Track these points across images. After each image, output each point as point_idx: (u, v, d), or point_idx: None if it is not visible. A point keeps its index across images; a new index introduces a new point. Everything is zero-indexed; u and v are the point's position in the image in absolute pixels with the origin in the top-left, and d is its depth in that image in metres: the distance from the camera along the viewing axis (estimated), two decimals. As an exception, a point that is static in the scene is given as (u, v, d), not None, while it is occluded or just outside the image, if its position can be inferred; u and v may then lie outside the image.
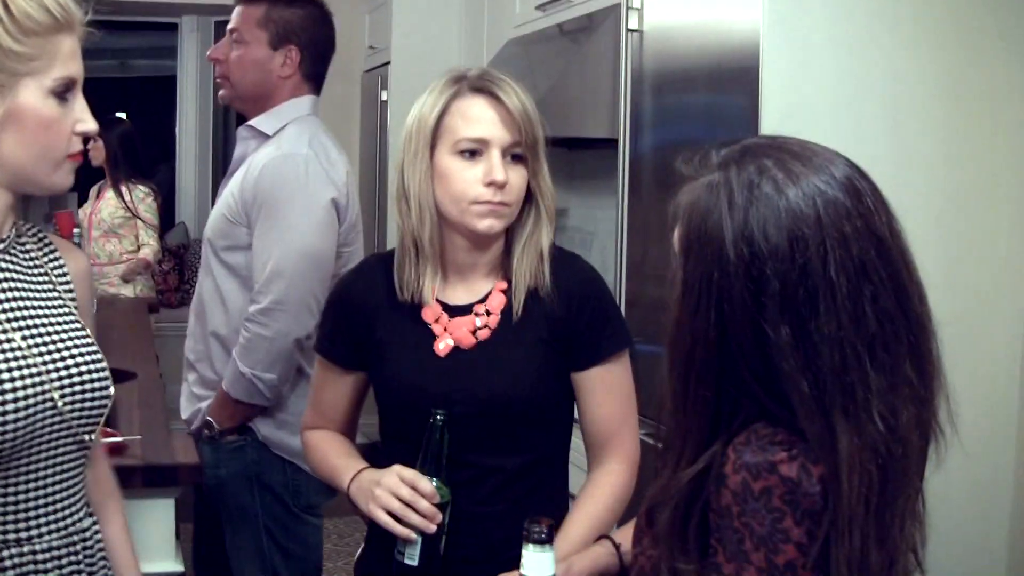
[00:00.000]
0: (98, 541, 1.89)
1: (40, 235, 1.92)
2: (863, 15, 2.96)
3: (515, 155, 2.05)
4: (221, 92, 3.22)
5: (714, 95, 3.16)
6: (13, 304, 1.78)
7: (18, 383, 1.71)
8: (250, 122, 3.12)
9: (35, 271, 1.85)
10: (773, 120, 2.83)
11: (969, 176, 3.02)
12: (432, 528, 1.95)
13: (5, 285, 1.79)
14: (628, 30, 3.51)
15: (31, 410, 1.71)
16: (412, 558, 1.97)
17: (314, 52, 3.12)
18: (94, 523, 1.88)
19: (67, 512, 1.81)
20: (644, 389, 3.46)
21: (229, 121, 8.60)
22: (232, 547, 3.07)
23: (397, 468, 2.00)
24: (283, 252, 2.89)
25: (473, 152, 2.04)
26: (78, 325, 1.86)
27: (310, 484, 2.98)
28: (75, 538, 1.82)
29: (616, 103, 3.80)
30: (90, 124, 1.76)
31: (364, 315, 2.16)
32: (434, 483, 1.97)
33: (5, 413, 1.68)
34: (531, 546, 1.62)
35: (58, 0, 1.72)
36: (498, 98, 2.04)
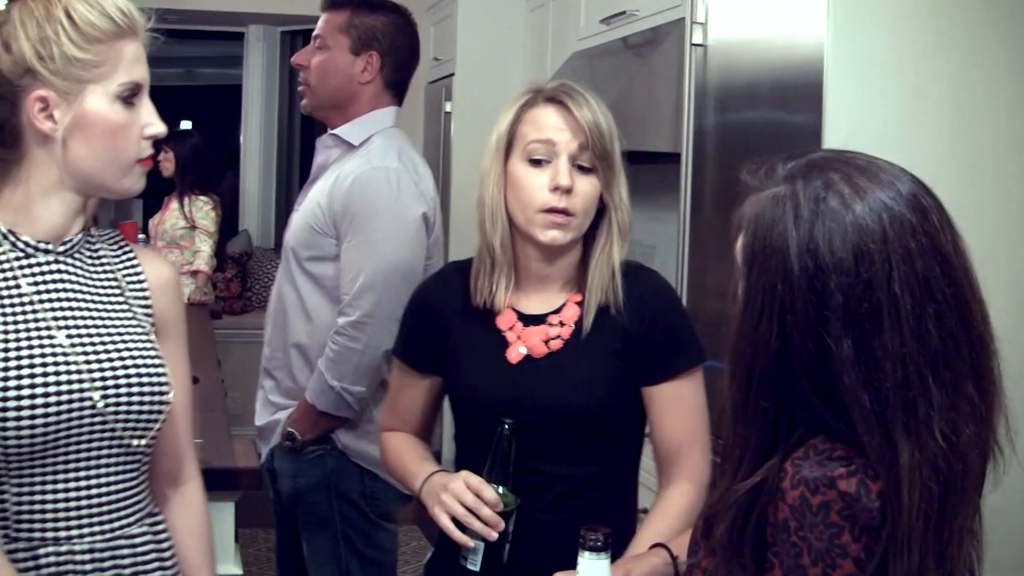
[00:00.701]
0: (154, 550, 1.89)
1: (120, 242, 1.95)
2: (927, 31, 2.95)
3: (584, 167, 2.07)
4: (303, 101, 3.23)
5: (778, 111, 3.16)
6: (63, 304, 1.80)
7: (51, 379, 1.73)
8: (334, 131, 3.13)
9: (102, 276, 1.88)
10: (837, 136, 2.83)
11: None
12: (493, 536, 1.97)
13: (59, 286, 1.81)
14: (692, 44, 3.51)
15: (66, 408, 1.73)
16: (475, 564, 1.99)
17: (395, 59, 3.13)
18: (150, 530, 1.89)
19: (112, 516, 1.82)
20: (709, 401, 3.48)
21: (293, 130, 8.69)
22: (310, 555, 3.10)
23: (464, 474, 2.03)
24: (373, 266, 2.90)
25: (541, 160, 2.07)
26: (140, 332, 1.87)
27: (387, 492, 3.01)
28: (121, 542, 1.83)
29: (679, 117, 3.80)
30: (158, 127, 1.80)
31: (440, 320, 2.20)
32: (500, 491, 1.98)
33: (34, 408, 1.70)
34: (587, 553, 1.64)
35: (119, 7, 1.76)
36: (568, 107, 2.07)
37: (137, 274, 1.93)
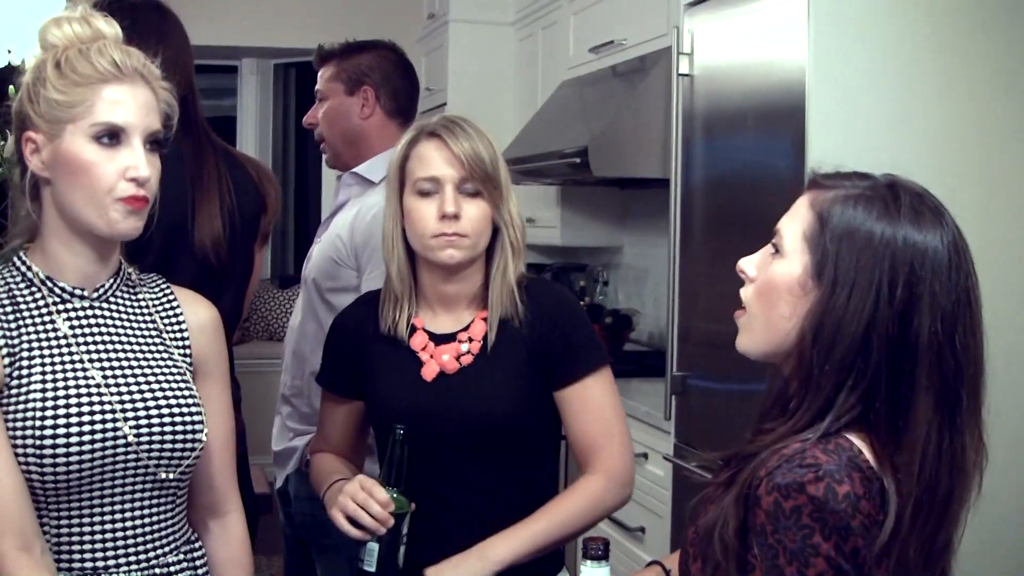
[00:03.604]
0: (191, 573, 1.98)
1: (162, 286, 2.04)
2: (907, 54, 3.02)
3: (470, 192, 2.19)
4: (324, 157, 3.38)
5: (762, 134, 3.22)
6: (99, 346, 1.90)
7: (86, 416, 1.82)
8: (355, 169, 3.23)
9: (140, 318, 1.97)
10: (820, 157, 2.88)
11: (1013, 214, 3.06)
12: (382, 530, 2.08)
13: (94, 328, 1.91)
14: (679, 75, 3.58)
15: (100, 442, 1.82)
16: (370, 564, 2.10)
17: (389, 88, 3.23)
18: (186, 558, 1.97)
19: (147, 546, 1.90)
20: (699, 420, 3.55)
21: (288, 162, 8.75)
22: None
23: (360, 477, 2.15)
24: None
25: (430, 192, 2.19)
26: (175, 371, 1.96)
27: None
28: (157, 571, 1.91)
29: (667, 143, 3.87)
30: (141, 171, 1.84)
31: (357, 345, 2.32)
32: (393, 493, 2.10)
33: (69, 445, 1.79)
34: (589, 562, 1.70)
35: (110, 56, 1.85)
36: (445, 141, 2.19)
37: (176, 316, 2.02)
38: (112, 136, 1.84)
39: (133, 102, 1.85)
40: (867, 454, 1.52)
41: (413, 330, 2.26)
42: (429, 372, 2.23)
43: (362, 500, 2.09)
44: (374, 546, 2.10)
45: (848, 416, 1.54)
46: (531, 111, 5.53)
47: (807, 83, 2.95)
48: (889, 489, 1.50)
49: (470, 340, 2.24)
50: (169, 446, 1.90)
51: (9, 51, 3.58)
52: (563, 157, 4.47)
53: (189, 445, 1.93)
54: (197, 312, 2.06)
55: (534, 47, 5.81)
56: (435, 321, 2.27)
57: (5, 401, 1.80)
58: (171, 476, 1.91)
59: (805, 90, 2.94)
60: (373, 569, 2.09)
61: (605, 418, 2.25)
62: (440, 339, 2.25)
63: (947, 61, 3.03)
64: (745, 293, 1.71)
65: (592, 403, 2.24)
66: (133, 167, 1.84)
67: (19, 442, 1.77)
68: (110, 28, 1.92)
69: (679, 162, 3.62)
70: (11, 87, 3.29)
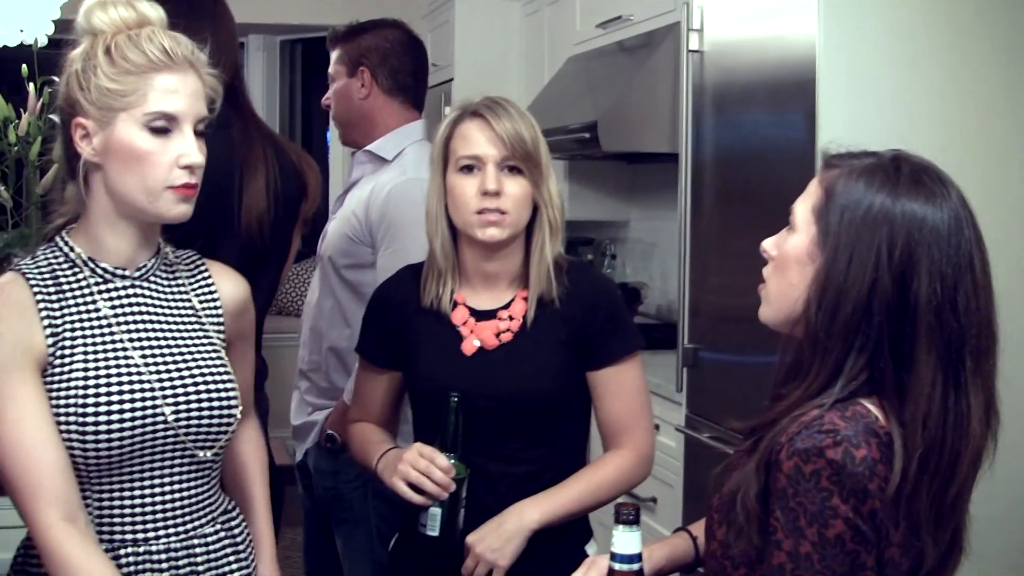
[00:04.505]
0: (229, 546, 2.04)
1: (197, 262, 2.09)
2: (918, 28, 3.05)
3: (512, 167, 2.25)
4: (338, 135, 3.48)
5: (773, 109, 3.25)
6: (139, 327, 1.94)
7: (127, 396, 1.87)
8: (367, 147, 3.28)
9: (177, 297, 2.02)
10: (830, 133, 2.91)
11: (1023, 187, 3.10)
12: (444, 495, 2.15)
13: (134, 309, 1.95)
14: (689, 51, 3.61)
15: (139, 422, 1.87)
16: (433, 529, 2.17)
17: (387, 68, 3.28)
18: (223, 527, 2.03)
19: (185, 518, 1.96)
20: (711, 393, 3.59)
21: (294, 139, 8.74)
22: (345, 551, 3.22)
23: (418, 445, 2.22)
24: None
25: (471, 168, 2.25)
26: (211, 350, 2.02)
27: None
28: (195, 542, 1.97)
29: (676, 118, 3.90)
30: (193, 157, 1.88)
31: (399, 318, 2.37)
32: (452, 459, 2.16)
33: (110, 423, 1.85)
34: (621, 526, 1.74)
35: (161, 44, 1.88)
36: (488, 121, 2.25)
37: (211, 293, 2.07)
38: (165, 125, 1.87)
39: (184, 90, 1.89)
40: (883, 421, 1.59)
41: (455, 305, 2.32)
42: (469, 347, 2.29)
43: (423, 467, 2.15)
44: (436, 511, 2.16)
45: (859, 379, 1.61)
46: (538, 87, 5.55)
47: (817, 57, 2.98)
48: (896, 444, 1.56)
49: (510, 318, 2.29)
50: (206, 425, 1.95)
51: (21, 30, 3.61)
52: (571, 132, 4.50)
53: (225, 423, 1.98)
54: (233, 289, 2.12)
55: (541, 23, 5.82)
56: (476, 297, 2.33)
57: (48, 380, 1.84)
58: (209, 454, 1.97)
59: (816, 65, 2.98)
60: (436, 533, 2.16)
61: (637, 400, 2.34)
62: (481, 315, 2.31)
63: (958, 35, 3.06)
64: (766, 271, 1.77)
65: (626, 385, 2.32)
66: (186, 154, 1.88)
67: (62, 419, 1.82)
68: (155, 12, 1.94)
69: (689, 136, 3.65)
70: (23, 66, 3.34)
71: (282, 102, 8.57)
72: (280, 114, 8.57)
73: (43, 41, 3.56)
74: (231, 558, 2.03)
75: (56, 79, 1.98)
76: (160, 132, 1.87)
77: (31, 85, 3.32)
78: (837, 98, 2.99)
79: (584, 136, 4.40)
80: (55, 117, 2.02)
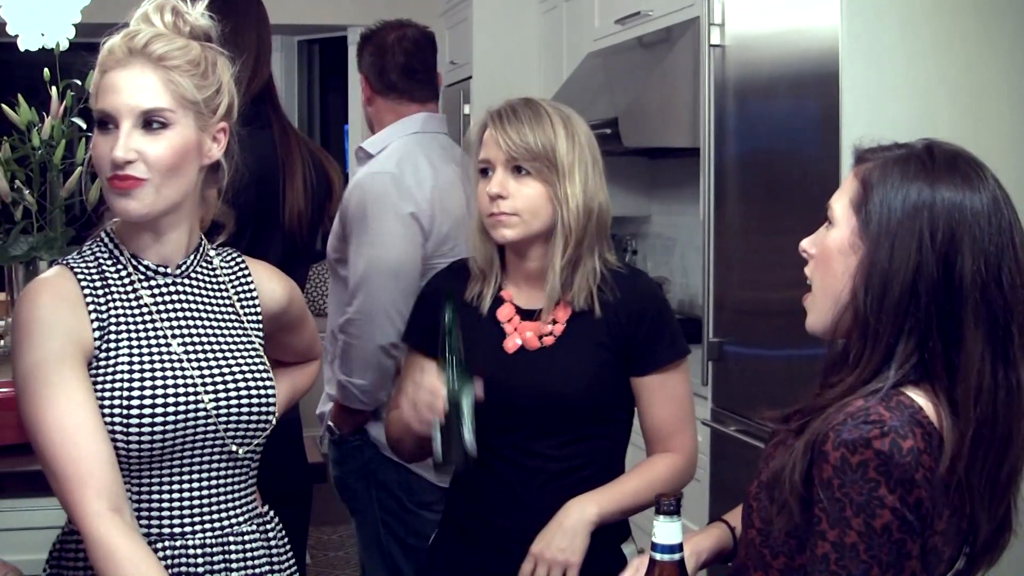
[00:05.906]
0: (262, 547, 2.04)
1: (237, 259, 2.11)
2: (940, 19, 3.04)
3: (520, 168, 2.24)
4: None
5: (796, 102, 3.25)
6: (180, 321, 1.96)
7: (170, 387, 1.89)
8: (361, 143, 3.39)
9: (217, 293, 2.04)
10: (854, 125, 2.92)
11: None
12: (427, 416, 2.09)
13: (176, 304, 1.97)
14: (711, 45, 3.61)
15: (183, 414, 1.89)
16: (436, 453, 2.11)
17: (377, 70, 3.38)
18: (258, 529, 2.04)
19: (221, 515, 1.98)
20: (736, 386, 3.59)
21: (312, 138, 8.77)
22: (357, 539, 3.38)
23: (415, 372, 2.28)
24: (365, 265, 3.09)
25: (485, 171, 2.28)
26: (251, 346, 2.04)
27: (421, 483, 3.17)
28: (231, 539, 1.98)
29: (697, 113, 3.90)
30: (115, 152, 1.85)
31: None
32: (452, 374, 2.10)
33: (154, 416, 1.86)
34: (662, 517, 1.73)
35: (112, 44, 1.90)
36: (496, 123, 2.26)
37: (251, 292, 2.09)
38: (106, 122, 1.88)
39: (127, 86, 1.87)
40: (927, 411, 1.60)
41: (501, 302, 2.33)
42: (511, 345, 2.29)
43: (412, 394, 2.14)
44: (437, 434, 2.10)
45: (910, 362, 1.63)
46: (556, 83, 5.54)
47: (840, 50, 2.97)
48: (947, 424, 1.59)
49: (554, 322, 2.28)
50: (245, 420, 1.97)
51: (43, 34, 3.62)
52: (592, 128, 4.47)
53: (263, 420, 2.00)
54: (272, 287, 2.14)
55: (559, 19, 5.82)
56: (521, 295, 2.33)
57: (94, 372, 1.86)
58: (242, 451, 1.98)
59: (838, 57, 2.97)
60: (440, 458, 2.11)
61: (683, 406, 2.34)
62: (526, 314, 2.31)
63: (981, 26, 3.05)
64: (808, 270, 1.79)
65: (673, 391, 2.32)
66: (114, 149, 1.86)
67: (107, 411, 1.84)
68: (196, 19, 1.96)
69: (711, 132, 3.65)
70: (46, 70, 3.35)
71: (300, 101, 8.59)
72: (299, 113, 8.59)
73: (64, 45, 3.57)
74: (263, 559, 2.03)
75: (78, 82, 2.00)
76: (103, 129, 1.88)
77: (53, 89, 3.34)
78: (860, 90, 2.99)
79: (605, 132, 4.39)
80: (78, 121, 2.04)
